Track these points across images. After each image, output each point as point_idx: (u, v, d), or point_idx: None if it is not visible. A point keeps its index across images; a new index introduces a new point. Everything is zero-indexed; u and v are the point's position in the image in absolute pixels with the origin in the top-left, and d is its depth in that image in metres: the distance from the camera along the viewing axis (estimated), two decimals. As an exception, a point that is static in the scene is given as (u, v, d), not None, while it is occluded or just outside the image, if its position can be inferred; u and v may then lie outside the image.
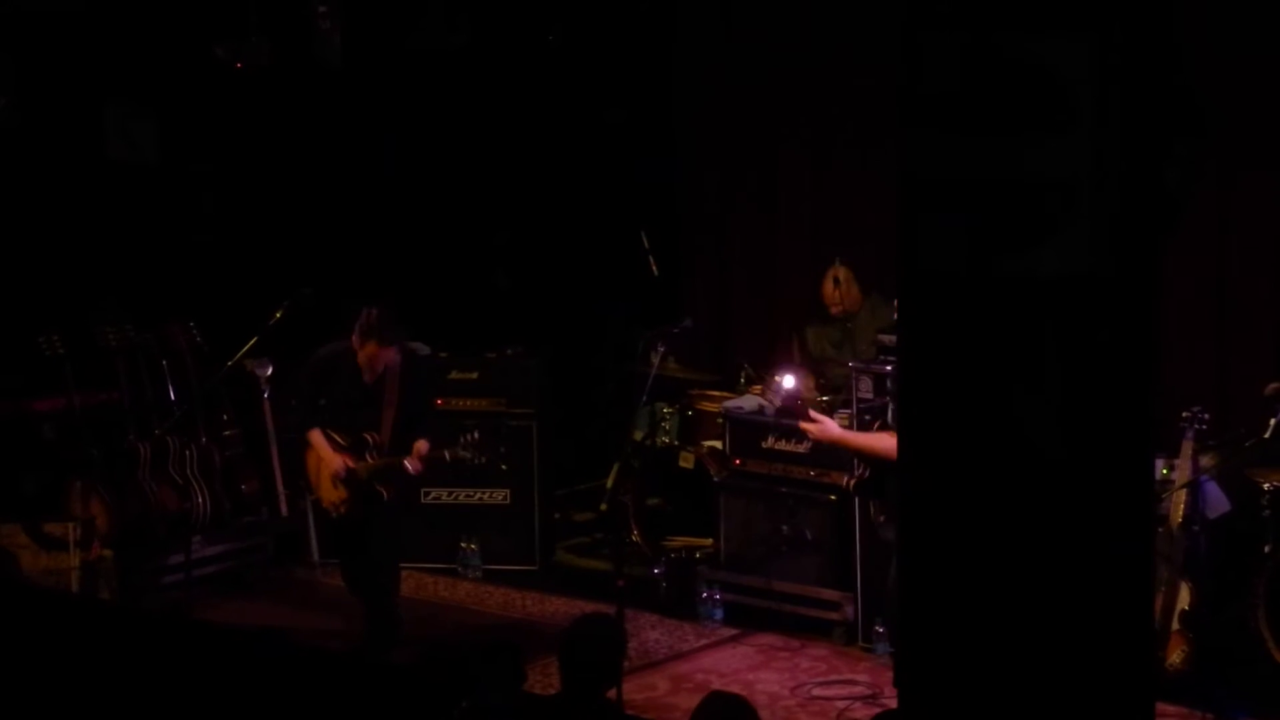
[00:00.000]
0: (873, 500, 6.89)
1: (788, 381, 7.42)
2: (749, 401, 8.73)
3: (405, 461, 7.77)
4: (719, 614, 8.35)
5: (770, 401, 7.46)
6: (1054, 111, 3.37)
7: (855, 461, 6.85)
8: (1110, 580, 3.59)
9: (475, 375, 9.38)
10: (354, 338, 7.80)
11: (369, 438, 7.88)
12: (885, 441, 6.48)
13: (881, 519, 6.76)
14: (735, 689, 7.31)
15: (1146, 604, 3.98)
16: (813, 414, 6.90)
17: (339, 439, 7.93)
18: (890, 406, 6.68)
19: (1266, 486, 7.27)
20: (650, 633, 8.18)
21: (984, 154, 3.41)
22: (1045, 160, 3.38)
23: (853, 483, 6.81)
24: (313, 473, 8.10)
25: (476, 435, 7.99)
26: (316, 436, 7.96)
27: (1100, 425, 3.52)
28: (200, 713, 5.81)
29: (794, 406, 7.18)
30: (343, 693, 5.82)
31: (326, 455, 7.91)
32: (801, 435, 8.10)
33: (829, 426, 6.80)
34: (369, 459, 7.85)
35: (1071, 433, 3.50)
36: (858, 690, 7.39)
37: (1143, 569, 3.79)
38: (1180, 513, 7.17)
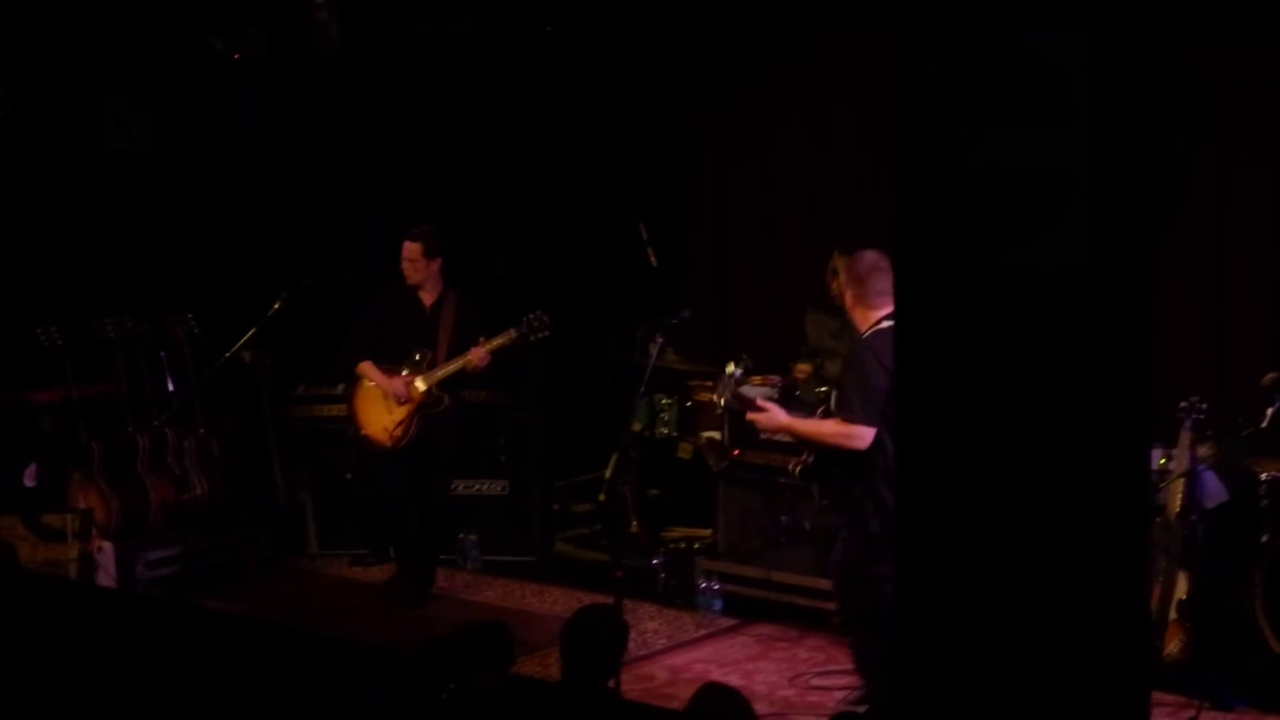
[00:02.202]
0: (817, 485, 6.80)
1: (737, 372, 7.30)
2: (748, 392, 8.72)
3: (470, 353, 8.24)
4: (717, 604, 8.37)
5: (723, 394, 7.29)
6: (1049, 104, 3.37)
7: (803, 448, 6.76)
8: (1106, 570, 3.60)
9: (474, 366, 9.40)
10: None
11: (420, 354, 8.34)
12: (828, 427, 6.43)
13: (825, 503, 6.71)
14: (734, 679, 7.34)
15: (1143, 593, 3.98)
16: (760, 403, 6.78)
17: (390, 366, 8.38)
18: (833, 394, 6.62)
19: (1264, 476, 7.26)
20: (649, 623, 8.19)
21: (978, 146, 3.41)
22: (1040, 153, 3.38)
23: (799, 468, 6.74)
24: (360, 408, 8.49)
25: (543, 315, 8.28)
26: (367, 367, 8.43)
27: (1096, 416, 3.52)
28: (192, 696, 5.83)
29: (743, 397, 7.03)
30: (333, 678, 5.84)
31: (381, 380, 8.39)
32: None
33: (776, 414, 6.69)
34: (426, 369, 8.32)
35: (1067, 424, 3.50)
36: (856, 680, 7.39)
37: (1139, 558, 3.80)
38: (1178, 502, 7.17)
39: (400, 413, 8.38)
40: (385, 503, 8.67)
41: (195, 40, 9.56)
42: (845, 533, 6.50)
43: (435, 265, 8.42)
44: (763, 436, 8.03)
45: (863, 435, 6.18)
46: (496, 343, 8.26)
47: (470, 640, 5.19)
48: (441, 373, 8.37)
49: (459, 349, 8.36)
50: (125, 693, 6.01)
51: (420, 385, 8.38)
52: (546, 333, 8.28)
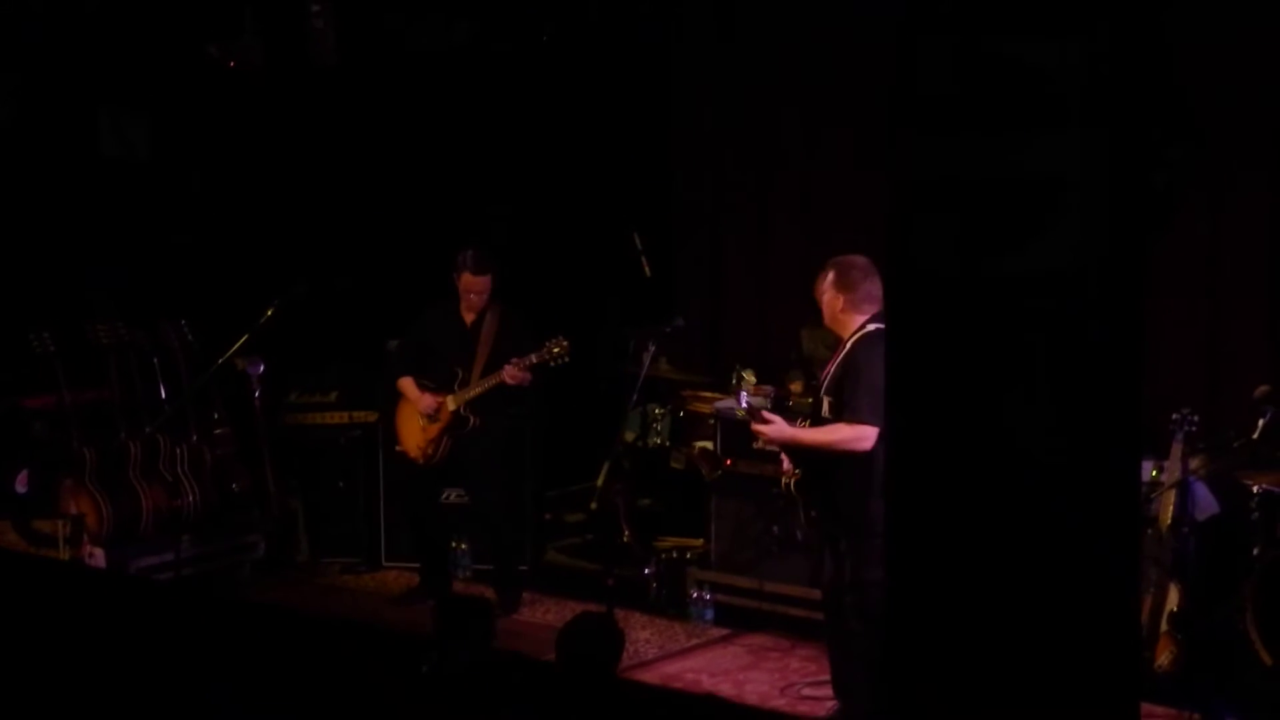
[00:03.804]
0: (805, 498, 6.75)
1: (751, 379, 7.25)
2: (753, 403, 8.70)
3: (503, 371, 8.26)
4: (709, 614, 8.36)
5: (740, 401, 7.20)
6: (1043, 111, 3.38)
7: (793, 462, 6.70)
8: (1096, 580, 3.61)
9: (467, 374, 9.41)
10: (454, 276, 8.41)
11: (457, 370, 8.43)
12: (836, 433, 6.41)
13: (813, 514, 6.67)
14: (725, 689, 7.34)
15: (1132, 604, 3.99)
16: (765, 415, 6.76)
17: (428, 383, 8.48)
18: (825, 401, 6.59)
19: (1255, 489, 7.27)
20: (640, 633, 8.18)
21: (974, 153, 3.43)
22: (1034, 159, 3.40)
23: (791, 482, 6.70)
24: (399, 424, 8.63)
25: (563, 340, 8.28)
26: (406, 383, 8.55)
27: (1088, 424, 3.53)
28: (175, 671, 5.82)
29: (751, 407, 6.96)
30: (311, 653, 5.83)
31: (415, 396, 8.49)
32: None
33: (781, 426, 6.67)
34: (456, 389, 8.40)
35: (1059, 432, 3.52)
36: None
37: (1129, 568, 3.81)
38: (1169, 514, 7.18)
39: (432, 430, 8.46)
40: (410, 516, 8.77)
41: (192, 49, 9.56)
42: (846, 541, 6.49)
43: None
44: (757, 446, 7.99)
45: (870, 436, 6.22)
46: (532, 361, 8.26)
47: (451, 617, 5.19)
48: (473, 392, 8.39)
49: (496, 366, 8.35)
50: (117, 676, 6.00)
51: (450, 405, 8.41)
52: (567, 359, 8.30)
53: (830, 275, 6.62)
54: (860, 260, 6.56)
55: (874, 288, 6.43)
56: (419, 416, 8.49)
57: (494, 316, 8.48)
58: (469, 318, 8.50)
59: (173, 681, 5.80)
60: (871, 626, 6.35)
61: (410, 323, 8.73)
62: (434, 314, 8.61)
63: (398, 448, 8.71)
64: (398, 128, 10.47)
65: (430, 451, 8.47)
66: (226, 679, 5.69)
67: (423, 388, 8.49)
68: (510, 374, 8.24)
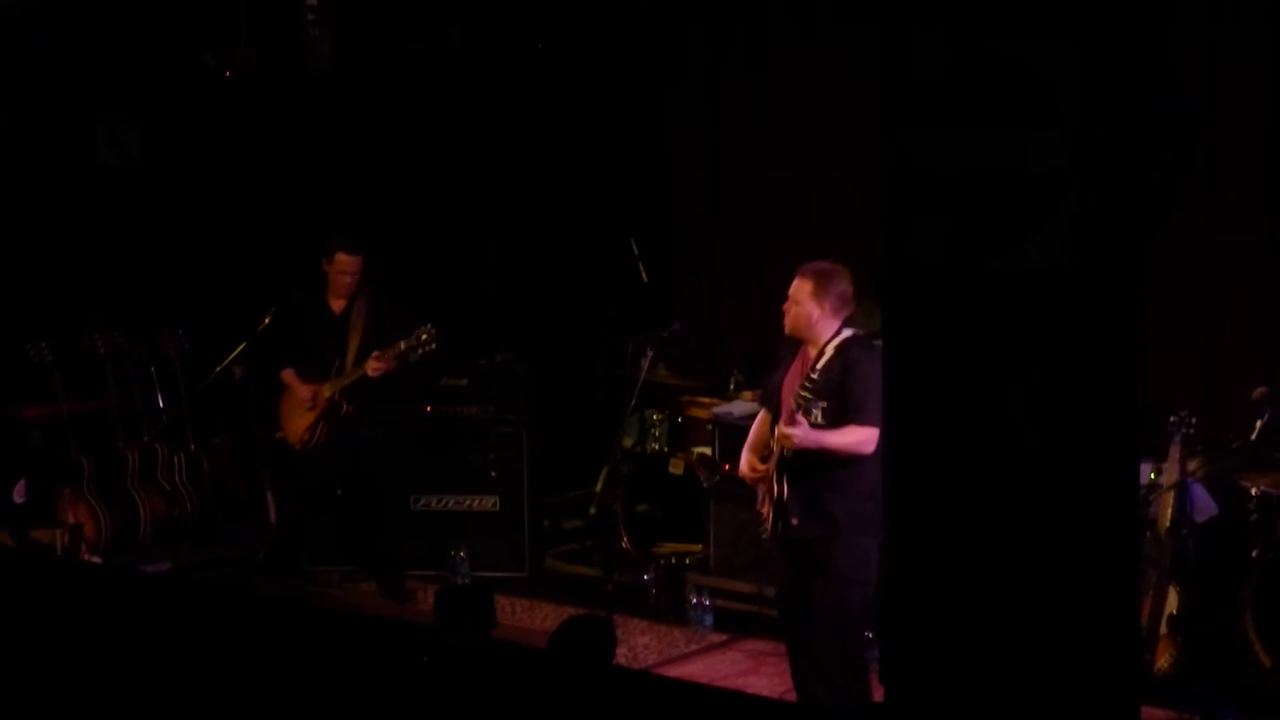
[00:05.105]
0: (791, 503, 6.69)
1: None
2: (738, 407, 8.72)
3: (366, 364, 8.41)
4: (709, 619, 8.36)
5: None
6: (1037, 108, 3.39)
7: (774, 479, 6.64)
8: (1095, 580, 3.61)
9: (464, 382, 9.41)
10: (325, 262, 8.60)
11: (335, 360, 8.57)
12: (852, 435, 6.39)
13: (795, 521, 6.62)
14: (724, 694, 7.33)
15: (1132, 607, 3.99)
16: (798, 417, 6.72)
17: (311, 372, 8.63)
18: (820, 407, 6.53)
19: (1254, 490, 7.27)
20: (640, 638, 8.18)
21: (968, 150, 3.43)
22: (1029, 156, 3.40)
23: (783, 493, 6.63)
24: (282, 413, 8.78)
25: (431, 327, 8.38)
26: (288, 374, 8.72)
27: (1086, 422, 3.53)
28: (169, 660, 5.81)
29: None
30: (308, 645, 5.80)
31: (294, 385, 8.66)
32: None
33: (808, 430, 6.62)
34: (333, 376, 8.56)
35: (1057, 430, 3.51)
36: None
37: (1128, 569, 3.81)
38: (1168, 516, 7.18)
39: (309, 418, 8.66)
40: (287, 499, 9.04)
41: (187, 56, 9.56)
42: (831, 540, 6.44)
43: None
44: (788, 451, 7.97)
45: (875, 439, 6.22)
46: (389, 353, 8.42)
47: (450, 607, 5.18)
48: (345, 380, 8.55)
49: (370, 351, 8.49)
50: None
51: (325, 392, 8.60)
52: (434, 345, 8.41)
53: (809, 285, 6.54)
54: (827, 265, 6.56)
55: (847, 288, 6.49)
56: (298, 405, 8.67)
57: (364, 303, 8.64)
58: (338, 305, 8.65)
59: (169, 672, 5.79)
60: (845, 625, 6.34)
61: (283, 317, 8.80)
62: (303, 307, 8.73)
63: (278, 434, 8.86)
64: (393, 135, 10.47)
65: (307, 438, 8.65)
66: (223, 670, 5.67)
67: (305, 378, 8.66)
68: (372, 366, 8.42)
